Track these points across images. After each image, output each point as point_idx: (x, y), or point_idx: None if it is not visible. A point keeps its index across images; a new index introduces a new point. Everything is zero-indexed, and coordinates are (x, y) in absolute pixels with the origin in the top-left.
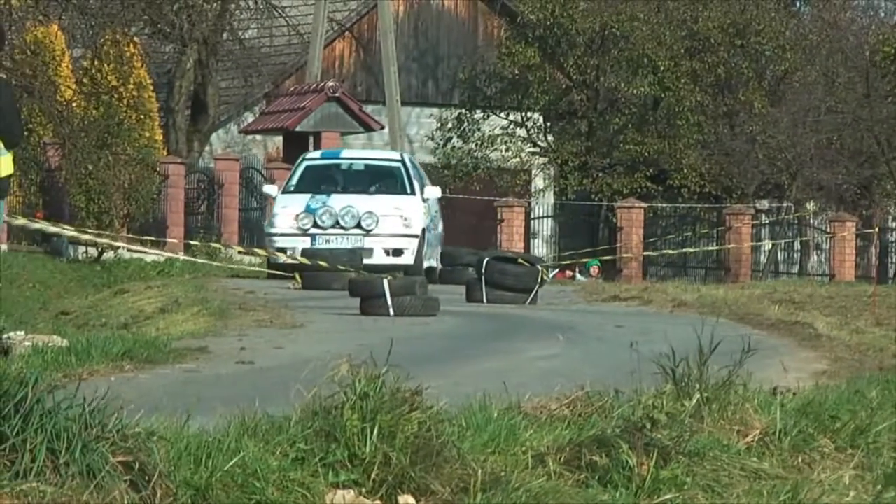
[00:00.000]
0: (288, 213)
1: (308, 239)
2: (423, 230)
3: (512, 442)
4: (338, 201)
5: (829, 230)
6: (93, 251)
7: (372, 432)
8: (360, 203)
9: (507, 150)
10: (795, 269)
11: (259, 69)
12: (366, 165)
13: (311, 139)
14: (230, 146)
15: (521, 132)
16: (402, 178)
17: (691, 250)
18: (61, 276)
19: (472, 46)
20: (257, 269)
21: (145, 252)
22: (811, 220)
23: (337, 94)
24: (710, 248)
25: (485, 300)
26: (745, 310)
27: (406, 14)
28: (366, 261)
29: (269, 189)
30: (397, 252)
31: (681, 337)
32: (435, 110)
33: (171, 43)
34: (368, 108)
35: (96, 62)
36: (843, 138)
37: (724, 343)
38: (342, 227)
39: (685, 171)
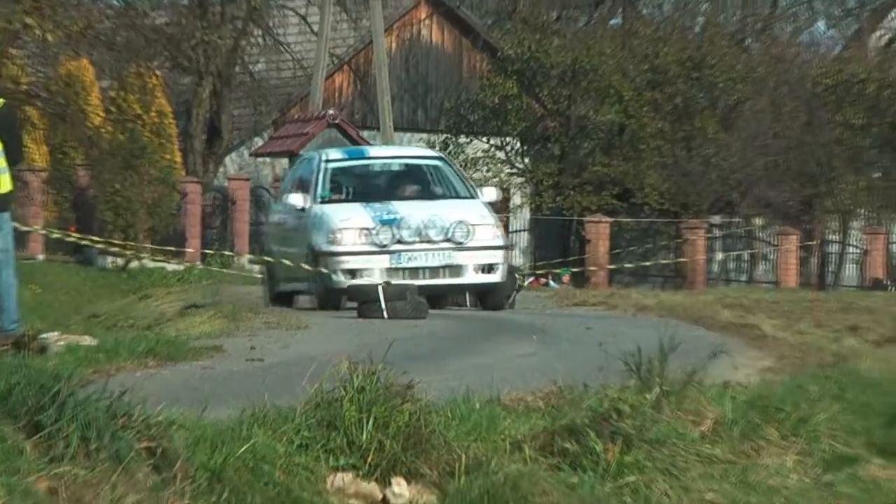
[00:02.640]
0: (354, 226)
1: (388, 257)
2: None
3: (492, 430)
4: (411, 210)
5: (774, 242)
6: (120, 261)
7: (368, 422)
8: (441, 211)
9: (487, 170)
10: (745, 277)
11: (267, 99)
12: (404, 165)
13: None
14: (242, 167)
15: (501, 155)
16: (454, 180)
17: (648, 264)
18: (92, 283)
19: (457, 78)
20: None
21: (166, 260)
22: (759, 234)
23: (336, 121)
24: (667, 259)
25: (468, 304)
26: (700, 313)
27: (398, 49)
28: (454, 280)
29: (294, 199)
30: (490, 268)
31: (643, 338)
32: (424, 135)
33: (188, 75)
34: (365, 134)
35: (122, 92)
36: (787, 161)
37: (680, 343)
38: (429, 241)
39: (647, 189)
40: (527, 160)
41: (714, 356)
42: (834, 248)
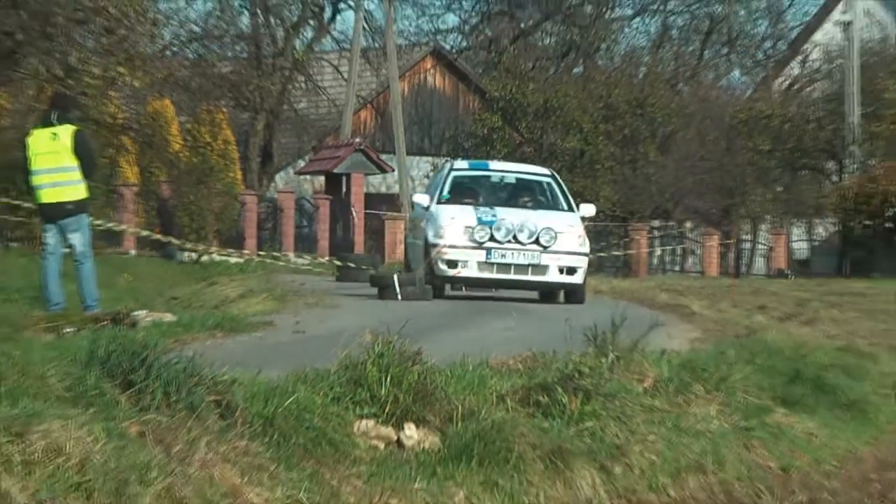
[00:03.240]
0: (459, 224)
1: (483, 252)
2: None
3: (482, 387)
4: (509, 215)
5: (700, 241)
6: (193, 255)
7: (386, 380)
8: (534, 218)
9: None
10: (677, 268)
11: (308, 130)
12: (518, 179)
13: (344, 179)
14: (287, 183)
15: None
16: (557, 194)
17: (604, 255)
18: (172, 272)
19: (454, 114)
20: (311, 270)
21: (229, 255)
22: (688, 234)
23: (361, 147)
24: (618, 253)
25: (464, 290)
26: (643, 296)
27: (409, 92)
28: (538, 278)
29: (419, 198)
30: (571, 270)
31: (599, 315)
32: (429, 158)
33: (247, 112)
34: (383, 157)
35: (196, 125)
36: (710, 177)
37: (627, 319)
38: (520, 242)
39: (602, 200)
40: None
41: (653, 329)
42: (746, 246)
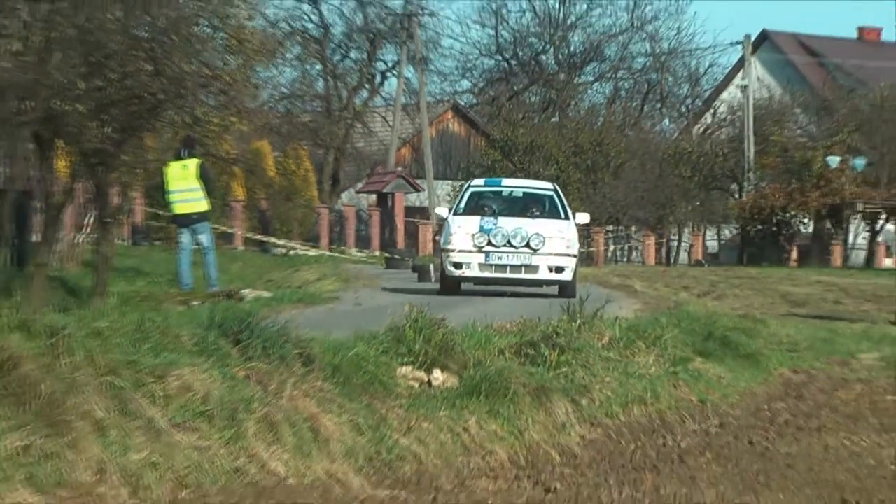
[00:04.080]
0: (464, 232)
1: (483, 255)
2: (578, 250)
3: (487, 343)
4: (507, 223)
5: (641, 240)
6: (283, 250)
7: (419, 338)
8: (528, 225)
9: None
10: (625, 259)
11: (364, 161)
12: (524, 193)
13: (390, 196)
14: (350, 199)
15: None
16: (556, 205)
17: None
18: (268, 262)
19: (467, 150)
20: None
21: (308, 250)
22: (633, 236)
23: (401, 174)
24: (583, 250)
25: (472, 284)
26: (601, 279)
27: (436, 134)
28: (531, 276)
29: (440, 211)
30: (559, 269)
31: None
32: (450, 181)
33: (322, 149)
34: (418, 180)
35: (285, 158)
36: (648, 195)
37: (590, 296)
38: (513, 246)
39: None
40: None
41: (608, 303)
42: (674, 243)
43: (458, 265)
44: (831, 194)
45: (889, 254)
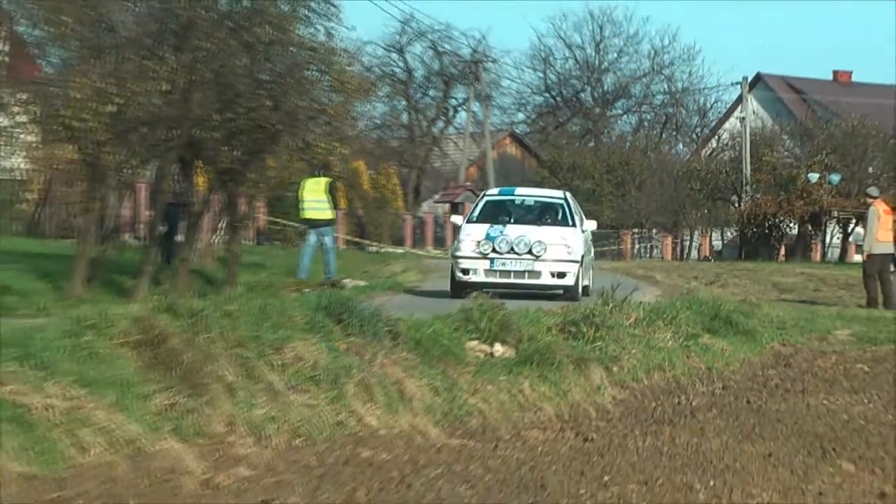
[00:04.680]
0: (471, 239)
1: (488, 262)
2: (582, 256)
3: (538, 322)
4: (512, 231)
5: (660, 240)
6: (375, 249)
7: (484, 318)
8: (530, 233)
9: None
10: (648, 256)
11: (440, 177)
12: (535, 201)
13: (460, 206)
14: (429, 209)
15: None
16: (564, 213)
17: (606, 249)
18: (364, 259)
19: (522, 168)
20: (441, 257)
21: (396, 249)
22: (653, 237)
23: (470, 188)
24: (614, 248)
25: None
26: (628, 271)
27: (497, 156)
28: (534, 281)
29: (455, 219)
30: (561, 275)
31: (605, 281)
32: None
33: (406, 167)
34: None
35: (377, 175)
36: (666, 205)
37: (620, 284)
38: (516, 253)
39: (605, 217)
40: None
41: (634, 290)
42: (686, 243)
43: (465, 271)
44: (812, 203)
45: (858, 251)
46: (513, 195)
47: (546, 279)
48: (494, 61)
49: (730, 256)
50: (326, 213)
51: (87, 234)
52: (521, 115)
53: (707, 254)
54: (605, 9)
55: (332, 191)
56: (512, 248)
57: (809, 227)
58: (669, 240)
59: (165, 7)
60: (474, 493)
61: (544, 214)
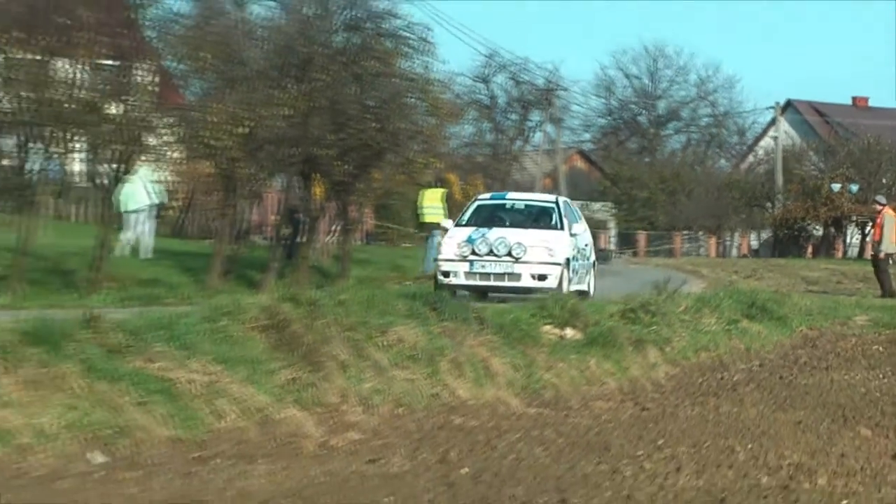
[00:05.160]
0: (452, 242)
1: (467, 264)
2: (568, 260)
3: (602, 310)
4: (494, 233)
5: (706, 240)
6: None
7: (557, 306)
8: (511, 235)
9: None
10: (695, 253)
11: (518, 188)
12: (525, 205)
13: None
14: None
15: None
16: (552, 216)
17: (660, 248)
18: None
19: (588, 180)
20: None
21: None
22: (700, 237)
23: None
24: (667, 247)
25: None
26: (679, 267)
27: (568, 170)
28: (514, 283)
29: (446, 223)
30: (542, 277)
31: (658, 275)
32: (578, 202)
33: (493, 180)
34: None
35: (467, 185)
36: (710, 210)
37: (671, 278)
38: (495, 255)
39: (659, 221)
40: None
41: (684, 283)
42: (728, 242)
43: (446, 273)
44: (834, 209)
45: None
46: (504, 199)
47: (526, 281)
48: (565, 89)
49: (765, 254)
50: (440, 218)
51: (222, 235)
52: (587, 135)
53: (745, 252)
54: (658, 45)
55: (447, 200)
56: (491, 251)
57: (832, 230)
58: (713, 240)
59: (288, 45)
60: (548, 454)
61: (533, 218)
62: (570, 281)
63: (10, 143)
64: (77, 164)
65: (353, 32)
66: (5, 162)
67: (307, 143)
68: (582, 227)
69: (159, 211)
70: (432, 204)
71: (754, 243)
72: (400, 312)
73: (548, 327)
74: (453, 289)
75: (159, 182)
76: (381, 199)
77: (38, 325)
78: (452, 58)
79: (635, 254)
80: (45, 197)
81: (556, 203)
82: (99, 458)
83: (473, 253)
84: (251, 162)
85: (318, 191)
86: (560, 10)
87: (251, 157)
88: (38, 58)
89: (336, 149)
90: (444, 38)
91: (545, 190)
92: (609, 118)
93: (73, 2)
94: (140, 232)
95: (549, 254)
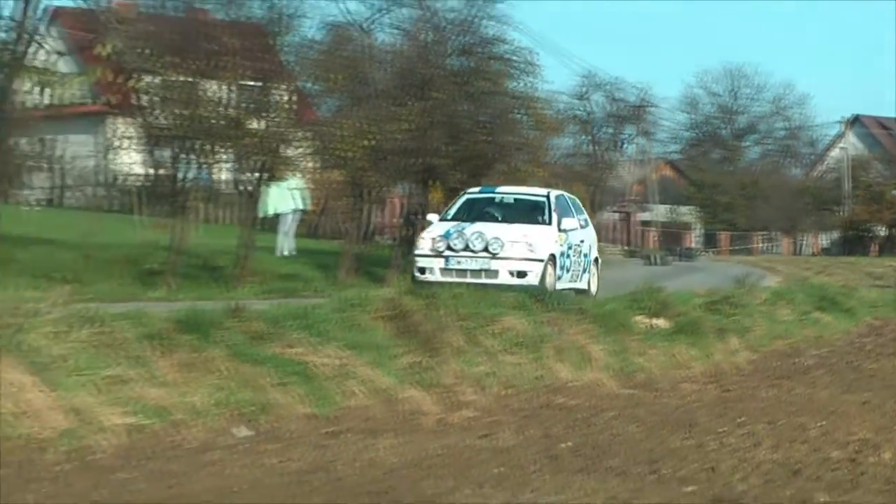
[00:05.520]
0: (429, 237)
1: (443, 260)
2: (553, 256)
3: (688, 301)
4: (472, 228)
5: (780, 240)
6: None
7: (647, 298)
8: (489, 230)
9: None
10: (772, 252)
11: (614, 193)
12: (515, 199)
13: (630, 215)
14: (608, 215)
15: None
16: (541, 211)
17: (740, 248)
18: None
19: (675, 186)
20: (617, 254)
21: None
22: (776, 237)
23: (637, 201)
24: (746, 247)
25: (659, 263)
26: (757, 264)
27: (657, 176)
28: (491, 280)
29: (431, 217)
30: (521, 274)
31: (739, 272)
32: (666, 206)
33: (587, 185)
34: (646, 205)
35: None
36: (785, 213)
37: (751, 274)
38: (472, 251)
39: (739, 223)
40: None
41: (762, 278)
42: (801, 242)
43: (422, 270)
44: None
45: None
46: (493, 193)
47: (504, 278)
48: (655, 106)
49: (834, 253)
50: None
51: (351, 236)
52: (674, 146)
53: (817, 251)
54: (738, 66)
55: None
56: (468, 246)
57: (895, 230)
58: (788, 240)
59: (409, 67)
60: (641, 430)
61: (521, 212)
62: (558, 278)
63: (165, 154)
64: (224, 173)
65: (466, 56)
66: (161, 171)
67: (425, 153)
68: (574, 223)
69: (303, 215)
70: None
71: (825, 243)
72: (508, 304)
73: (640, 317)
74: (430, 286)
75: (302, 189)
76: None
77: (190, 314)
78: (555, 78)
79: (718, 252)
80: (196, 202)
81: (548, 197)
82: (243, 432)
83: (449, 248)
84: (376, 171)
85: (435, 196)
86: (651, 33)
87: (376, 167)
88: (190, 79)
89: (451, 159)
90: (547, 61)
91: (636, 196)
92: (694, 131)
93: (220, 30)
94: (284, 232)
95: (529, 249)
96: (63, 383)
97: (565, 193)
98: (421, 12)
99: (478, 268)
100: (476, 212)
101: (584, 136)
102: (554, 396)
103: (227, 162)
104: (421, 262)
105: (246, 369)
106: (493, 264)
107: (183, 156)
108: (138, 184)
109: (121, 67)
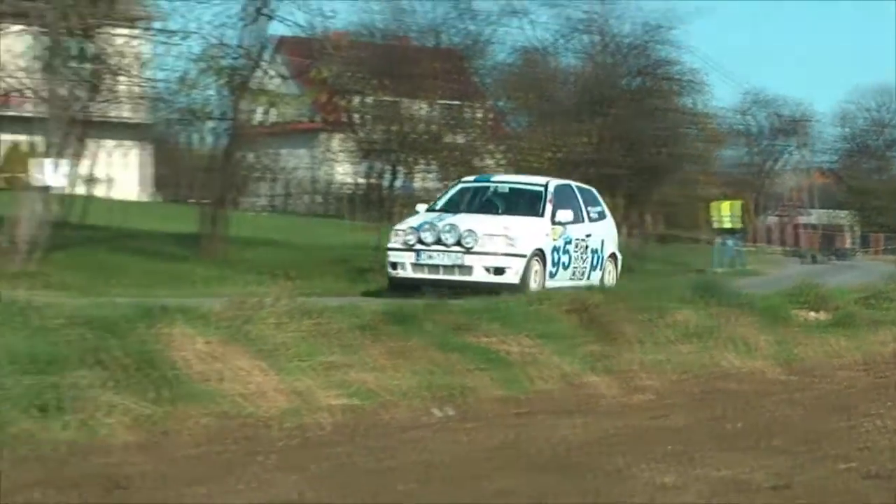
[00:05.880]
0: (402, 229)
1: (414, 254)
2: (541, 251)
3: (845, 296)
4: (446, 220)
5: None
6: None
7: (807, 293)
8: (465, 222)
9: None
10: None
11: (775, 198)
12: (510, 189)
13: (789, 218)
14: (770, 220)
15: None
16: (536, 201)
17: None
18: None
19: (830, 190)
20: (779, 253)
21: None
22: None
23: (796, 205)
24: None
25: (817, 262)
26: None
27: (816, 191)
28: (465, 277)
29: (418, 207)
30: (499, 270)
31: (891, 269)
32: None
33: (753, 192)
34: (805, 209)
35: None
36: None
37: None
38: (444, 244)
39: (892, 225)
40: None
41: None
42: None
43: (394, 265)
44: None
45: None
46: (488, 182)
47: (479, 275)
48: (811, 121)
49: None
50: (738, 224)
51: None
52: (829, 157)
53: None
54: (887, 82)
55: (743, 210)
56: (439, 239)
57: None
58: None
59: (590, 87)
60: (801, 413)
61: (515, 203)
62: (550, 275)
63: (374, 165)
64: (423, 182)
65: (641, 77)
66: (371, 180)
67: (605, 164)
68: (571, 215)
69: None
70: (732, 213)
71: None
72: (679, 298)
73: (799, 310)
74: (403, 283)
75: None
76: (668, 208)
77: (397, 308)
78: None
79: (872, 252)
80: (400, 208)
81: (546, 187)
82: (444, 412)
83: (420, 242)
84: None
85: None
86: (808, 54)
87: (560, 176)
88: (395, 99)
89: (628, 169)
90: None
91: (795, 201)
92: (847, 143)
93: (422, 55)
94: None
95: (509, 243)
96: (285, 368)
97: (574, 183)
98: (600, 38)
99: (450, 263)
100: (467, 201)
101: (747, 148)
102: (722, 382)
103: (428, 172)
104: (392, 257)
105: (445, 356)
106: (467, 259)
107: (389, 167)
108: (349, 192)
109: (335, 89)
